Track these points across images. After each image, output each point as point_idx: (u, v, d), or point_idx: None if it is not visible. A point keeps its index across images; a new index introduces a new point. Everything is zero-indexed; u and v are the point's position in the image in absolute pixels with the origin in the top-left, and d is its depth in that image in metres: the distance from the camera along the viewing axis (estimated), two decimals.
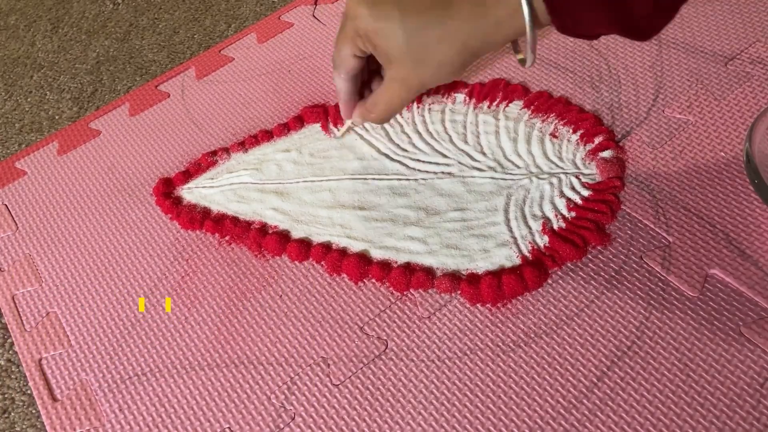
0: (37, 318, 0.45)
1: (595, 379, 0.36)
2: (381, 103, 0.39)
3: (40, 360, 0.43)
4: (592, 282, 0.40)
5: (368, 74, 0.42)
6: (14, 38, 0.73)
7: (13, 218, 0.52)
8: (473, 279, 0.40)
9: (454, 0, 0.34)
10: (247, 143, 0.52)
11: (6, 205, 0.53)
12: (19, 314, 0.45)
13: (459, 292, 0.40)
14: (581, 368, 0.36)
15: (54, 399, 0.40)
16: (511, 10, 0.33)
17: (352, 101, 0.42)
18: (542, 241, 0.42)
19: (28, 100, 0.64)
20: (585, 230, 0.41)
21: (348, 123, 0.45)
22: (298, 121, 0.53)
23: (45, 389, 0.41)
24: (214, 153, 0.52)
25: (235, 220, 0.47)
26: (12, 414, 0.41)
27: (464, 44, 0.34)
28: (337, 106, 0.53)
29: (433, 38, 0.34)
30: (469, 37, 0.34)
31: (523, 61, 0.37)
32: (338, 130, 0.50)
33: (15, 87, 0.66)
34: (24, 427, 0.40)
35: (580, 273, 0.40)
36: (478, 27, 0.34)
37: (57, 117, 0.62)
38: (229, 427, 0.37)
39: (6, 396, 0.42)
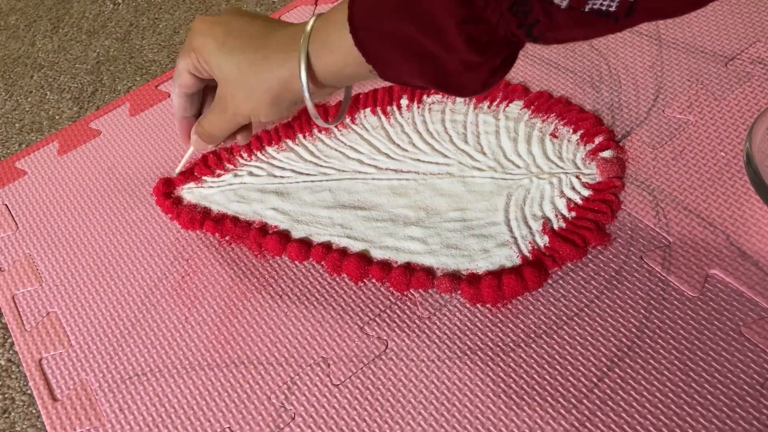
0: (37, 318, 0.45)
1: (595, 379, 0.36)
2: (204, 121, 0.40)
3: (41, 360, 0.43)
4: (593, 282, 0.40)
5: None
6: (14, 38, 0.73)
7: (13, 218, 0.52)
8: (473, 279, 0.40)
9: (269, 41, 0.35)
10: (249, 143, 0.52)
11: (6, 205, 0.53)
12: (20, 314, 0.45)
13: (459, 292, 0.40)
14: (581, 368, 0.36)
15: (54, 399, 0.40)
16: (291, 72, 0.34)
17: (186, 121, 0.42)
18: (542, 241, 0.42)
19: (29, 100, 0.64)
20: (585, 230, 0.41)
21: (187, 154, 0.46)
22: (299, 121, 0.53)
23: (45, 389, 0.41)
24: (215, 153, 0.52)
25: (235, 220, 0.47)
26: (12, 414, 0.41)
27: (288, 77, 0.34)
28: (337, 105, 0.53)
29: (253, 64, 0.35)
30: (278, 79, 0.34)
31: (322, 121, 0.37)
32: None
33: (15, 87, 0.66)
34: (24, 426, 0.40)
35: (581, 273, 0.40)
36: (281, 73, 0.34)
37: (57, 117, 0.62)
38: (229, 427, 0.37)
39: (6, 396, 0.42)
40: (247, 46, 0.35)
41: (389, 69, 0.32)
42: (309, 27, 0.33)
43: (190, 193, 0.50)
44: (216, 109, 0.39)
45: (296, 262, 0.44)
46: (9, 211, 0.52)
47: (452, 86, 0.31)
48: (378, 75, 0.33)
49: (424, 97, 0.53)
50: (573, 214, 0.43)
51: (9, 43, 0.72)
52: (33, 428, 0.40)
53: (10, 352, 0.44)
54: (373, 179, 0.48)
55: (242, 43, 0.36)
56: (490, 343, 0.38)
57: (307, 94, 0.33)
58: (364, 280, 0.42)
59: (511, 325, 0.39)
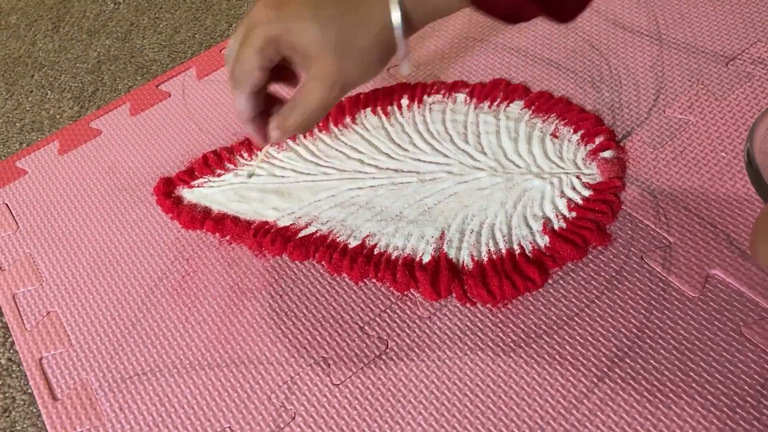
0: (37, 317, 0.45)
1: (595, 379, 0.36)
2: (299, 104, 0.35)
3: (41, 359, 0.43)
4: (593, 282, 0.40)
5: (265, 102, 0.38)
6: (15, 37, 0.73)
7: (13, 217, 0.52)
8: (474, 278, 0.40)
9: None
10: (250, 142, 0.52)
11: (7, 204, 0.53)
12: (20, 313, 0.45)
13: (460, 291, 0.40)
14: (582, 368, 0.36)
15: (54, 398, 0.40)
16: (386, 15, 0.32)
17: (261, 120, 0.37)
18: (543, 241, 0.42)
19: (29, 99, 0.64)
20: (586, 230, 0.41)
21: (263, 152, 0.40)
22: None
23: (45, 388, 0.41)
24: (215, 152, 0.52)
25: (235, 219, 0.47)
26: (13, 413, 0.41)
27: (382, 27, 0.33)
28: (339, 105, 0.53)
29: (350, 24, 0.33)
30: (383, 21, 0.33)
31: (405, 68, 0.36)
32: (254, 160, 0.42)
33: (16, 86, 0.66)
34: (25, 426, 0.40)
35: (581, 273, 0.40)
36: (382, 8, 0.33)
37: (58, 116, 0.62)
38: (229, 427, 0.37)
39: (7, 395, 0.42)
40: (338, 4, 0.33)
41: None
42: None
43: (190, 192, 0.50)
44: (316, 89, 0.34)
45: (296, 262, 0.44)
46: (9, 210, 0.53)
47: (555, 4, 0.31)
48: (474, 5, 0.32)
49: (425, 97, 0.53)
50: (573, 214, 0.43)
51: (10, 43, 0.72)
52: (33, 427, 0.40)
53: (11, 351, 0.44)
54: (374, 179, 0.48)
55: (332, 4, 0.33)
56: (490, 343, 0.38)
57: (400, 33, 0.32)
58: (364, 280, 0.42)
59: (511, 325, 0.39)
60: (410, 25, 0.33)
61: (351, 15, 0.33)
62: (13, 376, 0.43)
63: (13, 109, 0.63)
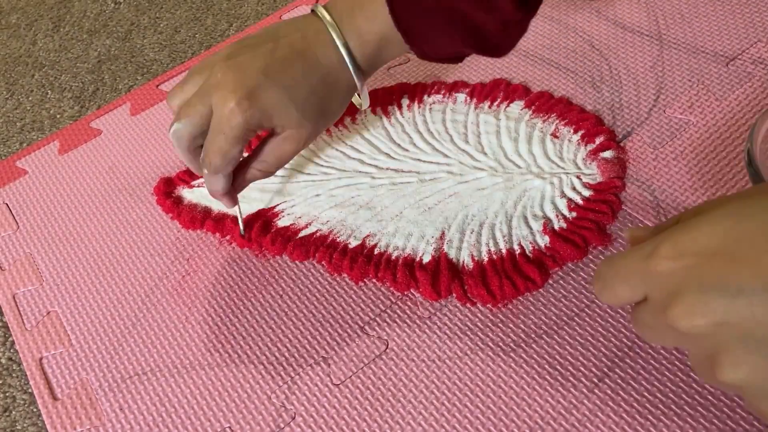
0: (37, 317, 0.45)
1: (596, 380, 0.36)
2: (273, 157, 0.40)
3: (41, 359, 0.43)
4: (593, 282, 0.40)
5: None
6: (15, 37, 0.73)
7: (14, 217, 0.52)
8: (474, 278, 0.40)
9: (319, 61, 0.38)
10: (250, 142, 0.52)
11: (7, 204, 0.53)
12: (20, 313, 0.45)
13: (460, 291, 0.40)
14: (582, 368, 0.36)
15: (54, 398, 0.40)
16: (338, 62, 0.38)
17: (234, 190, 0.42)
18: (543, 241, 0.42)
19: (30, 99, 0.64)
20: (586, 230, 0.41)
21: (242, 209, 0.46)
22: None
23: (45, 388, 0.41)
24: None
25: (236, 219, 0.47)
26: (13, 412, 0.41)
27: (347, 89, 0.39)
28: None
29: (322, 97, 0.38)
30: (347, 83, 0.39)
31: (360, 106, 0.43)
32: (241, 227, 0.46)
33: (16, 86, 0.66)
34: (25, 425, 0.40)
35: (581, 273, 0.40)
36: (344, 73, 0.39)
37: (58, 116, 0.62)
38: (229, 427, 0.37)
39: (7, 394, 0.42)
40: (308, 82, 0.37)
41: (426, 43, 0.35)
42: (326, 14, 0.38)
43: (190, 192, 0.50)
44: (290, 148, 0.39)
45: (296, 262, 0.44)
46: (9, 210, 0.53)
47: (489, 48, 0.37)
48: (416, 55, 0.38)
49: (425, 96, 0.53)
50: (574, 214, 0.43)
51: (10, 42, 0.72)
52: (34, 427, 0.40)
53: (11, 350, 0.44)
54: (374, 179, 0.48)
55: (302, 83, 0.37)
56: (490, 343, 0.38)
57: (355, 75, 0.39)
58: (364, 280, 0.42)
59: (511, 325, 0.39)
60: (364, 75, 0.40)
61: (321, 86, 0.38)
62: (14, 375, 0.43)
63: (13, 109, 0.63)
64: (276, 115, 0.37)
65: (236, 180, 0.41)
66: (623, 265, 0.25)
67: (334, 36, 0.37)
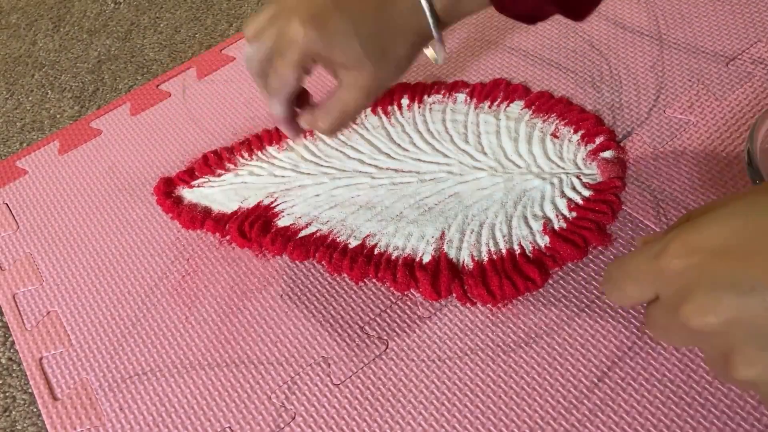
0: (37, 317, 0.45)
1: (595, 380, 0.36)
2: (335, 110, 0.37)
3: (41, 359, 0.43)
4: (593, 282, 0.40)
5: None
6: (15, 37, 0.73)
7: (14, 217, 0.52)
8: (474, 278, 0.40)
9: (394, 1, 0.35)
10: (250, 142, 0.52)
11: (7, 204, 0.53)
12: (20, 313, 0.45)
13: (460, 291, 0.40)
14: (582, 368, 0.36)
15: (54, 398, 0.40)
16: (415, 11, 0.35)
17: (295, 120, 0.40)
18: (543, 241, 0.42)
19: (30, 99, 0.64)
20: (586, 230, 0.41)
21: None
22: None
23: (45, 388, 0.41)
24: (215, 152, 0.52)
25: (236, 220, 0.47)
26: (13, 412, 0.41)
27: (417, 32, 0.36)
28: None
29: (388, 36, 0.35)
30: (417, 26, 0.36)
31: (435, 60, 0.40)
32: (281, 152, 0.45)
33: (16, 86, 0.66)
34: (25, 425, 0.40)
35: (581, 273, 0.40)
36: (417, 18, 0.35)
37: (58, 116, 0.62)
38: (229, 427, 0.37)
39: (7, 394, 0.42)
40: (375, 17, 0.35)
41: None
42: None
43: (190, 192, 0.50)
44: (352, 97, 0.36)
45: (296, 262, 0.44)
46: (9, 210, 0.53)
47: (572, 6, 0.34)
48: (494, 7, 0.35)
49: (425, 97, 0.53)
50: (574, 214, 0.43)
51: (10, 42, 0.72)
52: (34, 427, 0.40)
53: (11, 350, 0.44)
54: (374, 179, 0.48)
55: (370, 18, 0.35)
56: (490, 343, 0.38)
57: (432, 23, 0.35)
58: (364, 280, 0.42)
59: (511, 326, 0.39)
60: (441, 26, 0.36)
61: (389, 27, 0.35)
62: (14, 375, 0.43)
63: (13, 109, 0.63)
64: (338, 46, 0.35)
65: (301, 119, 0.40)
66: (633, 265, 0.25)
67: None
